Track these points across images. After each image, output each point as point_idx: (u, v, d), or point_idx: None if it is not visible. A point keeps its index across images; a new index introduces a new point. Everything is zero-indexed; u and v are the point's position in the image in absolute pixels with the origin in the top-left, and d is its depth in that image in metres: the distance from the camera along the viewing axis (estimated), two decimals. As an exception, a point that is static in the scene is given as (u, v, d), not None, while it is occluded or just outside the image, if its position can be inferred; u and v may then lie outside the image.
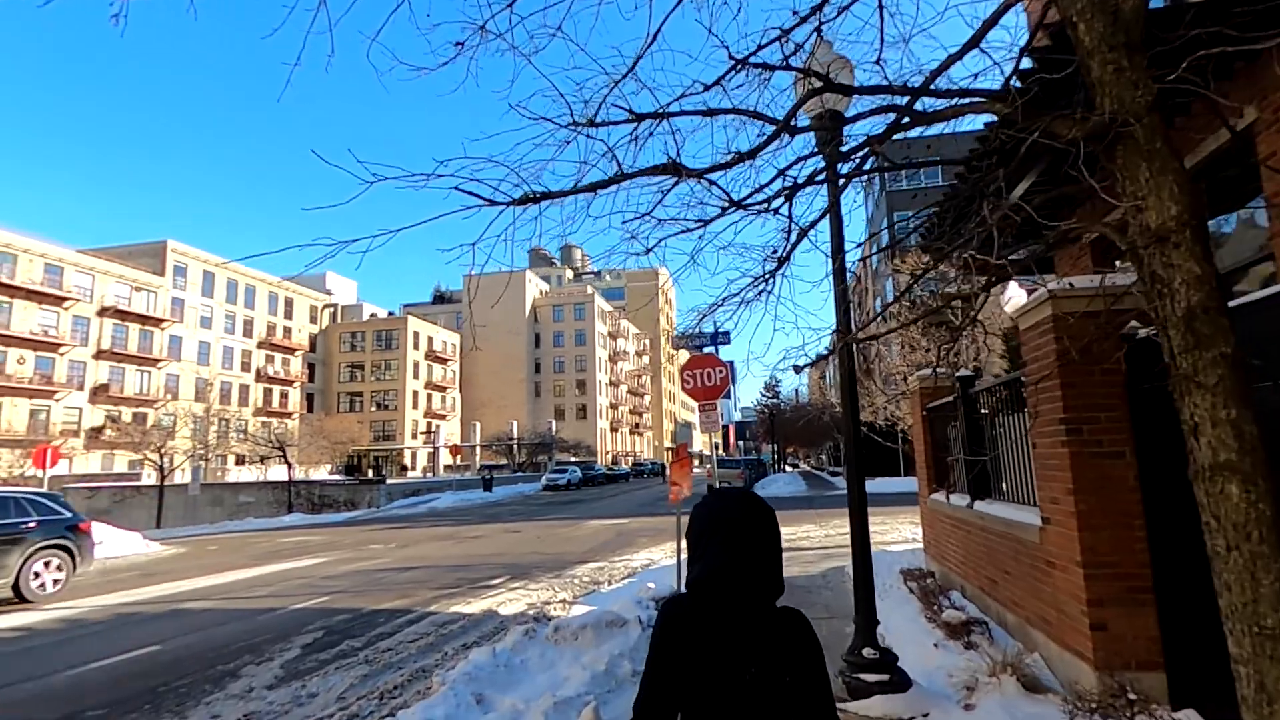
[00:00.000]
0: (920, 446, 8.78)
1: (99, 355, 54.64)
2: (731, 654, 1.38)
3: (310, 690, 5.34)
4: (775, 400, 55.86)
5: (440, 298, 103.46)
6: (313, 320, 79.54)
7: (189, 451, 40.61)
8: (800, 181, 3.84)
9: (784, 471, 56.08)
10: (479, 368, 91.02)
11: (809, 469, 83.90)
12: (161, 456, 35.78)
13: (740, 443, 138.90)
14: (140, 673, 5.93)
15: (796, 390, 61.61)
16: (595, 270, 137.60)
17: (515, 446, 69.30)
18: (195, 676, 5.72)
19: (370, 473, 74.37)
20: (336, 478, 46.31)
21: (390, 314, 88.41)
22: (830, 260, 4.66)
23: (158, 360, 58.96)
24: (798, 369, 4.67)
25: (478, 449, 76.55)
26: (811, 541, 13.55)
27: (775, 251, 4.38)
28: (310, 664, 6.05)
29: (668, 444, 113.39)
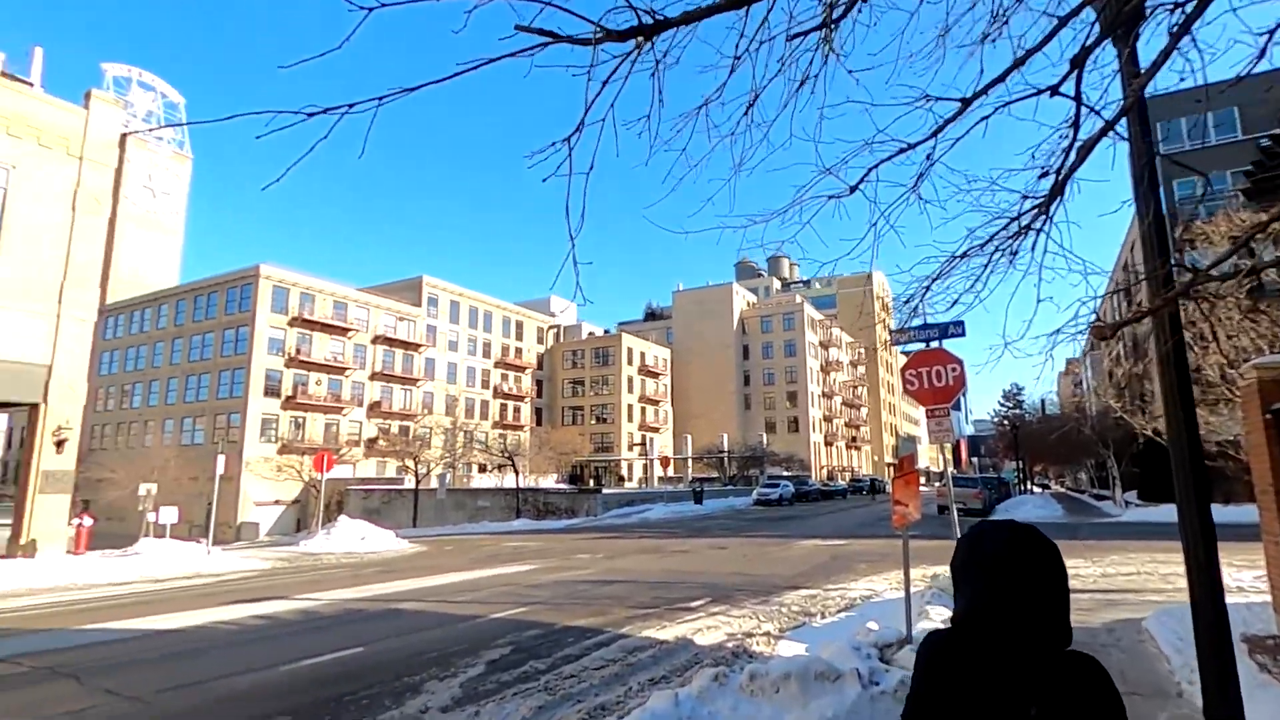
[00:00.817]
0: (1263, 464, 6.32)
1: (373, 377, 64.07)
2: (1008, 699, 1.24)
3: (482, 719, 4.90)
4: (1018, 410, 48.81)
5: (651, 315, 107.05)
6: (539, 340, 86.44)
7: (437, 460, 45.79)
8: (1089, 43, 2.51)
9: (1032, 492, 48.69)
10: (690, 381, 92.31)
11: (1063, 490, 72.52)
12: (416, 464, 40.61)
13: (974, 459, 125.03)
14: (336, 676, 6.00)
15: (1042, 400, 53.39)
16: (804, 279, 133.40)
17: (726, 459, 68.68)
18: (380, 689, 5.62)
19: (591, 482, 78.66)
20: (561, 486, 49.22)
21: (606, 332, 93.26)
22: (1132, 171, 3.12)
23: (417, 380, 67.66)
24: (1105, 333, 3.13)
25: (689, 461, 77.34)
26: (1084, 581, 10.88)
27: (1043, 173, 3.00)
28: (490, 685, 5.68)
29: (887, 459, 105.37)
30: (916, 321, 6.32)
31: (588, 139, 2.08)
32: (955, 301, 3.77)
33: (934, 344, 8.96)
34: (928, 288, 3.81)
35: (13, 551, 16.54)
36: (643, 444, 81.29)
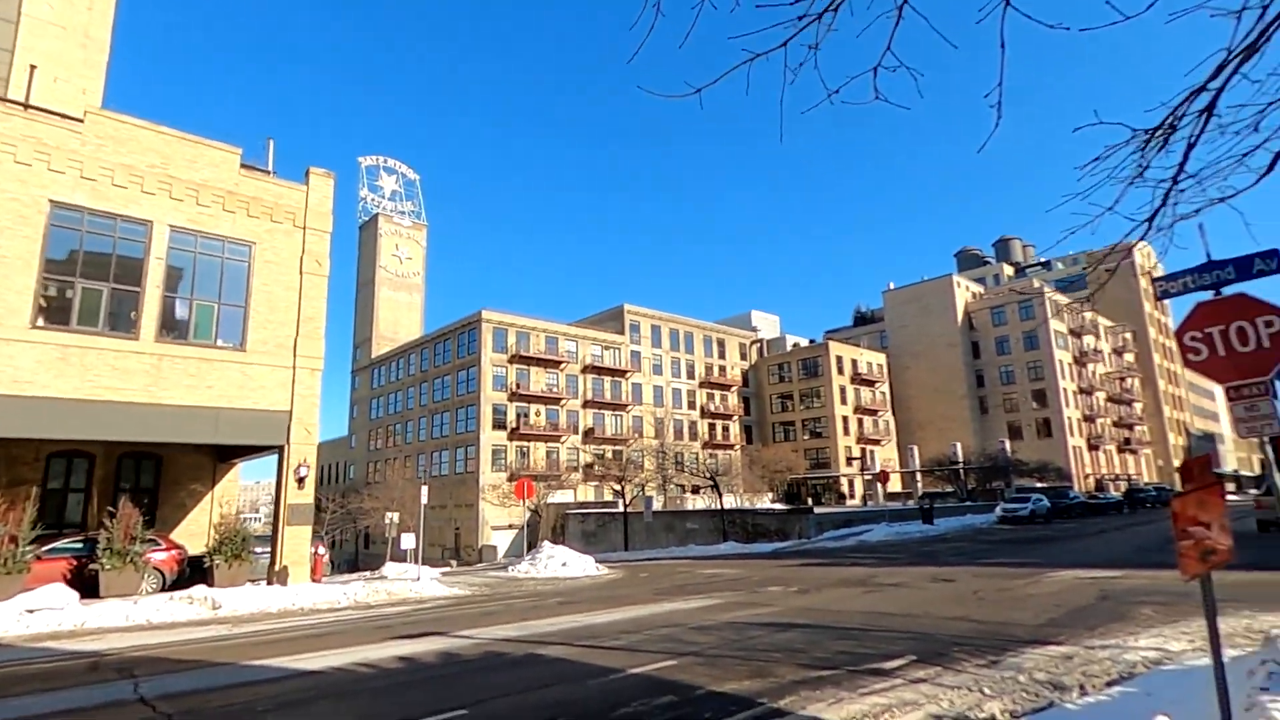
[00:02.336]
0: None
1: (585, 405, 67.16)
2: None
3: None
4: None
5: (861, 319, 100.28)
6: (742, 357, 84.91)
7: (642, 482, 46.10)
8: None
9: None
10: (911, 387, 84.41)
11: None
12: (624, 487, 41.09)
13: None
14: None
15: None
16: (1042, 260, 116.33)
17: (961, 471, 60.96)
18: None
19: (809, 500, 74.70)
20: (771, 506, 46.94)
21: (811, 342, 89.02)
22: None
23: (625, 405, 69.69)
24: None
25: (917, 475, 70.16)
26: None
27: None
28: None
29: (1175, 463, 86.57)
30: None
31: None
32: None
33: (1228, 290, 6.01)
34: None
35: (270, 578, 18.80)
36: (862, 458, 75.57)
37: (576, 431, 65.92)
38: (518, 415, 61.86)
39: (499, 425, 60.92)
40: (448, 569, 38.40)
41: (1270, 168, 2.38)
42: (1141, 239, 2.84)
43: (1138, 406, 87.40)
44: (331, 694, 6.80)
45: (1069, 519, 40.03)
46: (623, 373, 70.18)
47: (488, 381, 60.53)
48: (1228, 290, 6.06)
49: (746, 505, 52.61)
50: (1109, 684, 6.52)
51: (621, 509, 44.12)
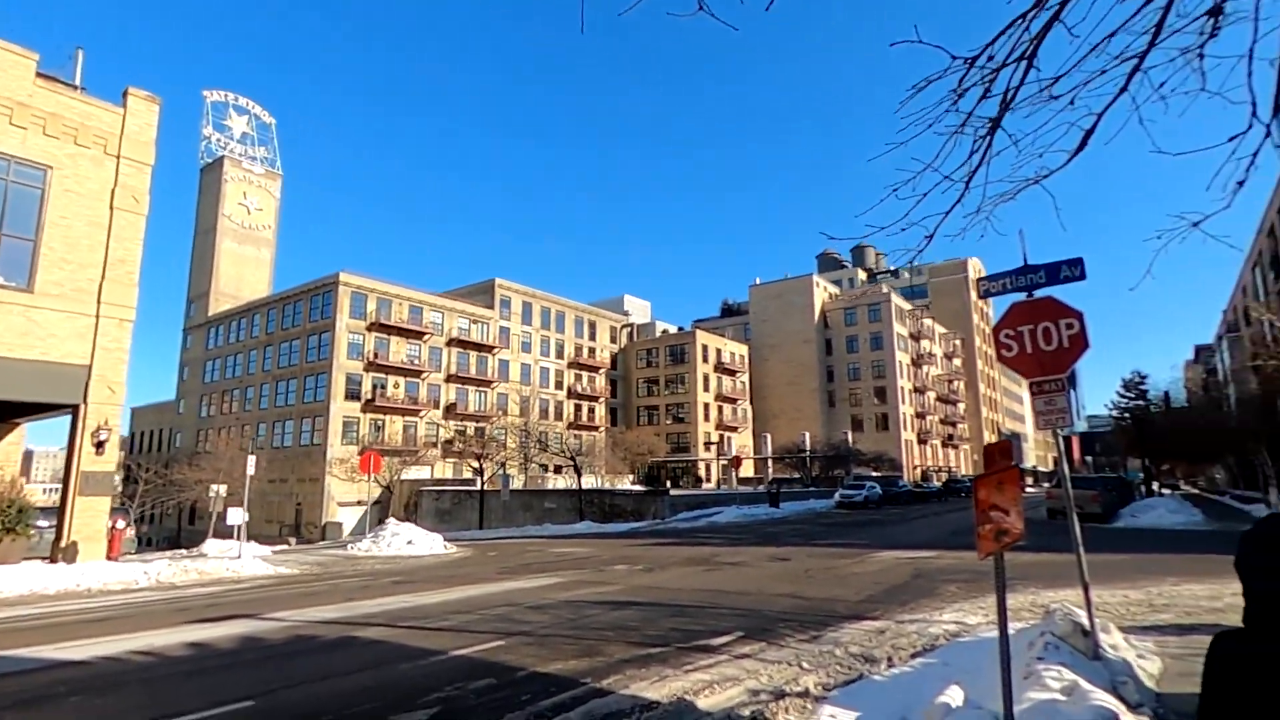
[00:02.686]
0: None
1: (449, 379, 64.67)
2: None
3: None
4: (1141, 402, 43.11)
5: (728, 311, 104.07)
6: (613, 340, 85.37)
7: (501, 459, 45.21)
8: None
9: (1161, 494, 42.82)
10: (769, 378, 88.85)
11: (1195, 491, 64.77)
12: (482, 465, 39.98)
13: (1088, 459, 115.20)
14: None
15: (1166, 395, 46.88)
16: (891, 269, 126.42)
17: (808, 459, 65.12)
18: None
19: (669, 483, 76.70)
20: (630, 488, 47.55)
21: (680, 329, 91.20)
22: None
23: (490, 381, 67.88)
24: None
25: (769, 461, 74.11)
26: None
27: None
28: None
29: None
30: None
31: None
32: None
33: (1040, 292, 6.52)
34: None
35: (54, 555, 16.34)
36: (720, 444, 78.70)
37: (438, 406, 63.39)
38: (374, 386, 58.44)
39: (353, 396, 57.28)
40: (284, 547, 35.59)
41: (1081, 145, 2.40)
42: (958, 202, 2.82)
43: (961, 406, 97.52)
44: (90, 688, 5.82)
45: (897, 505, 43.83)
46: (490, 348, 68.29)
47: (342, 349, 56.64)
48: (1040, 293, 6.58)
49: (607, 486, 53.08)
50: (914, 655, 6.95)
51: (479, 487, 42.96)
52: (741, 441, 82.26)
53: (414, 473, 56.78)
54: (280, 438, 59.71)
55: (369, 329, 58.58)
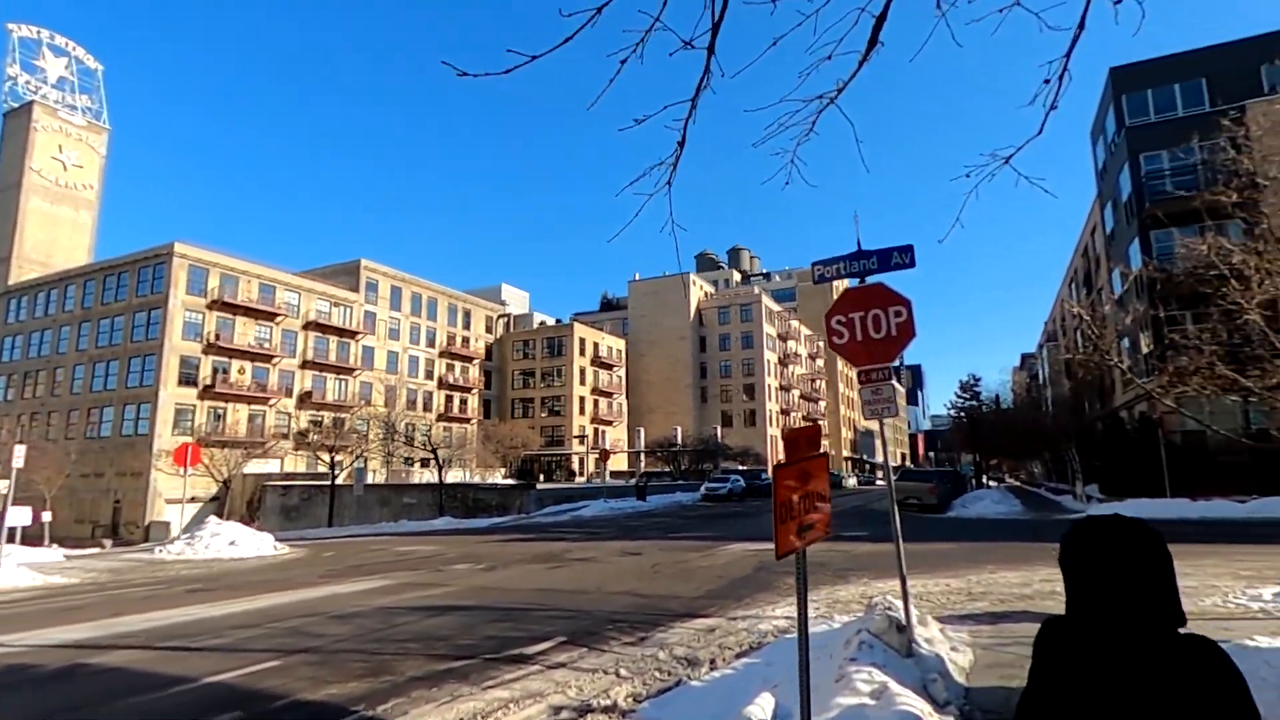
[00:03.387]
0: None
1: (305, 365, 59.82)
2: (1127, 681, 1.29)
3: None
4: (975, 402, 47.26)
5: (607, 304, 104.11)
6: (488, 330, 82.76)
7: (363, 453, 42.33)
8: None
9: (988, 486, 47.27)
10: (645, 374, 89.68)
11: (1017, 484, 72.12)
12: (333, 458, 37.12)
13: (931, 455, 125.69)
14: None
15: (997, 396, 51.85)
16: (764, 272, 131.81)
17: (679, 453, 66.21)
18: None
19: (541, 476, 75.51)
20: (495, 481, 46.10)
21: (559, 321, 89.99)
22: None
23: (353, 369, 63.58)
24: None
25: (641, 455, 74.76)
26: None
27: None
28: None
29: (845, 453, 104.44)
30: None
31: None
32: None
33: (872, 279, 6.37)
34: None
35: None
36: (595, 438, 78.43)
37: (290, 395, 58.48)
38: (215, 371, 52.88)
39: (188, 381, 51.50)
40: (93, 551, 31.23)
41: (871, 41, 1.92)
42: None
43: (822, 404, 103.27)
44: None
45: (760, 498, 45.32)
46: (353, 334, 63.96)
47: (176, 328, 50.78)
48: (872, 279, 6.42)
49: (476, 480, 51.15)
50: (739, 655, 6.61)
51: (331, 481, 39.87)
52: (616, 435, 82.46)
53: (261, 466, 52.11)
54: (97, 427, 52.73)
55: (210, 307, 52.93)
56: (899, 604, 6.05)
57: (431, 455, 36.40)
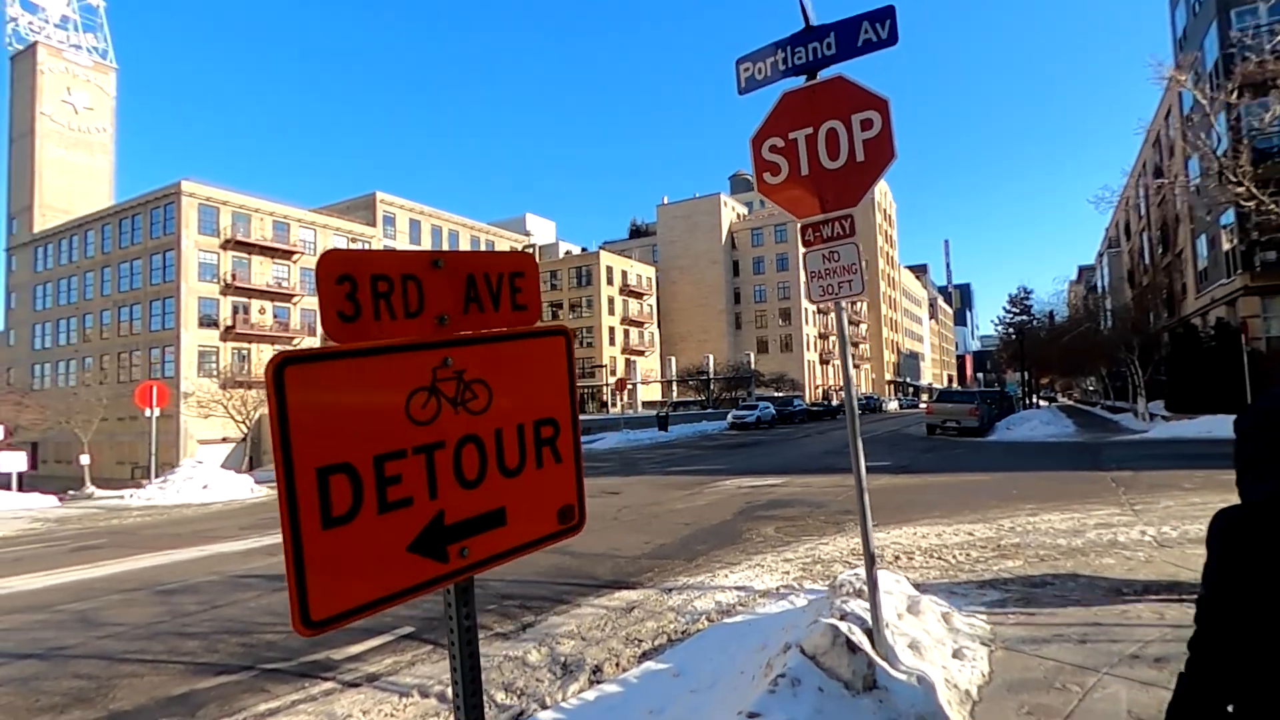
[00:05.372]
0: None
1: (325, 303, 58.98)
2: None
3: None
4: (1025, 317, 43.51)
5: (636, 231, 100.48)
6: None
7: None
8: None
9: (1038, 406, 44.04)
10: (677, 301, 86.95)
11: (1071, 403, 68.17)
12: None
13: (980, 376, 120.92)
14: None
15: (1050, 313, 47.59)
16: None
17: (710, 381, 64.16)
18: None
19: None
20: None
21: (584, 250, 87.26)
22: None
23: (375, 306, 62.59)
24: None
25: (674, 384, 73.01)
26: (1150, 567, 6.14)
27: None
28: None
29: (888, 376, 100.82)
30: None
31: None
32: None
33: (828, 73, 3.94)
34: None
35: None
36: (625, 368, 76.80)
37: (315, 334, 58.00)
38: (235, 311, 52.45)
39: (209, 323, 51.26)
40: (118, 494, 31.20)
41: None
42: None
43: (863, 327, 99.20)
44: None
45: (791, 424, 43.25)
46: (372, 269, 62.64)
47: (191, 269, 50.15)
48: (826, 73, 3.94)
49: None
50: (644, 655, 4.57)
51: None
52: (649, 365, 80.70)
53: (286, 405, 52.18)
54: (128, 370, 53.28)
55: (224, 247, 52.02)
56: (860, 606, 3.88)
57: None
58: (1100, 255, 58.35)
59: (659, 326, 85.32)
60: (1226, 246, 24.70)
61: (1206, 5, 24.33)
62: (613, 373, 77.07)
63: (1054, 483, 11.46)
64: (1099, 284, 54.55)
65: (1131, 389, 30.42)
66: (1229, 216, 23.79)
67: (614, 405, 76.80)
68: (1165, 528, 7.31)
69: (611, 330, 78.01)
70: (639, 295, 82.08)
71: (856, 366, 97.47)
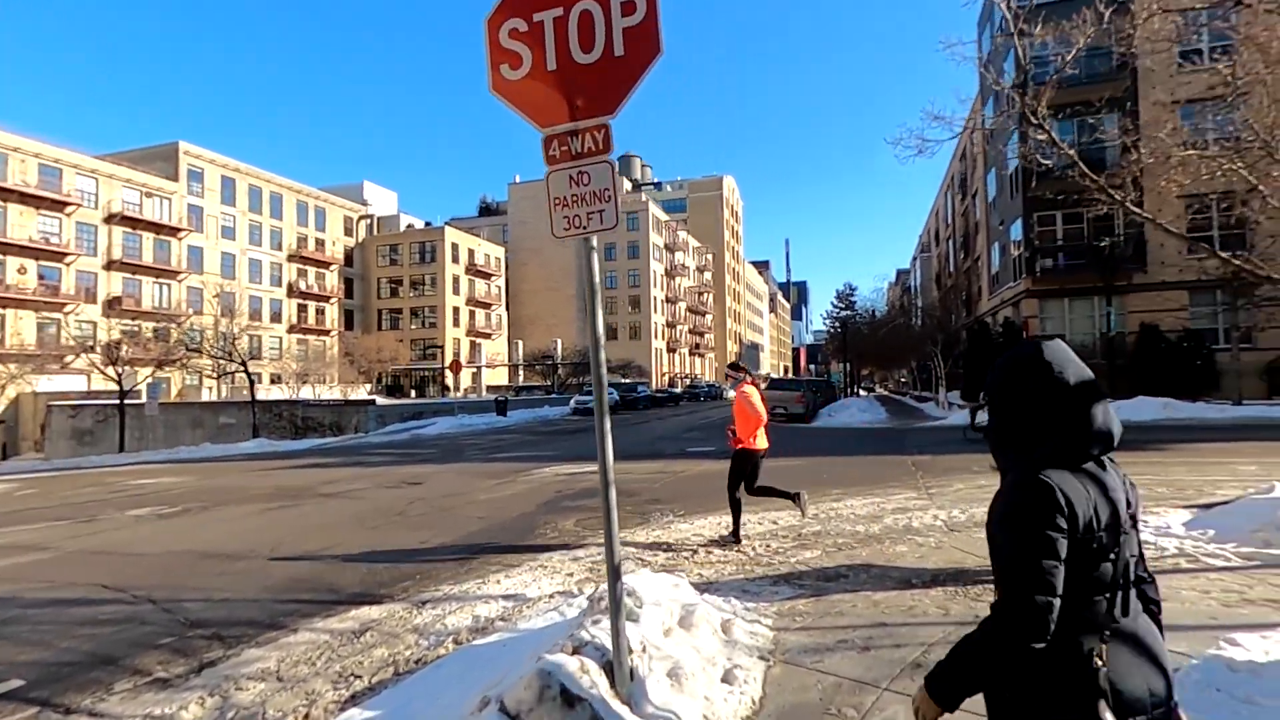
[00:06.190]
0: None
1: (110, 266, 50.89)
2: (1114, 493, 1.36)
3: None
4: (849, 312, 46.74)
5: (486, 210, 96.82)
6: (348, 233, 74.54)
7: (154, 360, 36.36)
8: None
9: (858, 395, 47.65)
10: (527, 283, 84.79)
11: (885, 393, 74.69)
12: (119, 372, 31.11)
13: (812, 367, 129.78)
14: None
15: (872, 310, 51.68)
16: (656, 181, 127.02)
17: (556, 366, 63.16)
18: None
19: (413, 393, 70.38)
20: (329, 397, 41.32)
21: (428, 225, 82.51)
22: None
23: (177, 272, 55.10)
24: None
25: (521, 369, 71.25)
26: (937, 550, 5.95)
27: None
28: None
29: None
30: None
31: None
32: None
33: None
34: None
35: None
36: (470, 351, 73.73)
37: (93, 300, 49.81)
38: (-18, 270, 43.62)
39: (-55, 281, 42.23)
40: None
41: None
42: None
43: (708, 318, 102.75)
44: None
45: (635, 410, 43.28)
46: (174, 230, 54.99)
47: (-81, 215, 40.90)
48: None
49: (334, 395, 45.91)
50: (349, 701, 3.49)
51: (141, 400, 33.73)
52: (495, 349, 77.97)
53: (58, 383, 44.51)
54: None
55: (-33, 190, 43.00)
56: (601, 636, 3.09)
57: (241, 368, 31.06)
58: (914, 258, 64.28)
59: (507, 309, 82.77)
60: (1014, 254, 27.56)
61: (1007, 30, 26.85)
62: (456, 355, 73.67)
63: (861, 467, 11.70)
64: (913, 284, 60.04)
65: (934, 380, 33.40)
66: (1017, 230, 26.54)
67: (455, 390, 73.48)
68: (955, 511, 7.37)
69: (456, 311, 74.39)
70: (487, 276, 79.00)
71: (701, 356, 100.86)
